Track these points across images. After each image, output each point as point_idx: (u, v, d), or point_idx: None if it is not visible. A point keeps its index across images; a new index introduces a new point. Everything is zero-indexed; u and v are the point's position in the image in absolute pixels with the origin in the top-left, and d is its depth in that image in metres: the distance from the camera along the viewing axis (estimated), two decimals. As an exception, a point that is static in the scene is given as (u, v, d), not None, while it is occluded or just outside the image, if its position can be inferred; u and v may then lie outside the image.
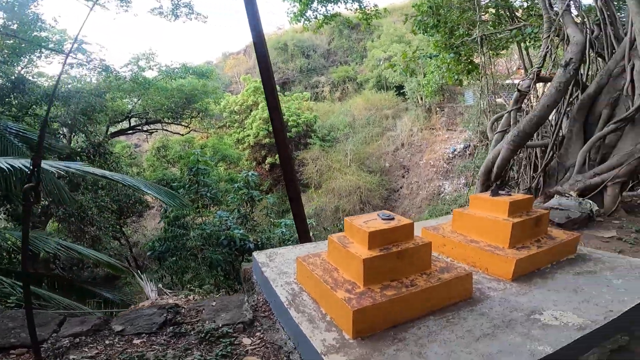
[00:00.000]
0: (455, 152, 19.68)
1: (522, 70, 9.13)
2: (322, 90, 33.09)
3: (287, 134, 22.81)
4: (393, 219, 2.24)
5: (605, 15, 4.87)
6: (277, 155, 22.43)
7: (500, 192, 2.70)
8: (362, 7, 10.91)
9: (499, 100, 12.12)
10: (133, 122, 17.89)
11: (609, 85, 4.63)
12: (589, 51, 4.94)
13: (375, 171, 22.42)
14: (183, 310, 2.44)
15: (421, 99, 23.60)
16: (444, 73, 9.92)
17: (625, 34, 4.50)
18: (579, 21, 5.29)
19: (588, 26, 5.10)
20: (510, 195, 2.68)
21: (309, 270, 2.22)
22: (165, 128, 18.82)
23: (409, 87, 23.89)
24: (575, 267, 2.50)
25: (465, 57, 8.60)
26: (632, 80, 4.28)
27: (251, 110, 24.22)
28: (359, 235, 2.12)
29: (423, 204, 19.57)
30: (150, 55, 16.29)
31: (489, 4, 8.30)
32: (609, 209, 4.00)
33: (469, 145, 18.54)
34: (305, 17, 10.78)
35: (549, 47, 5.29)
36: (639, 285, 2.20)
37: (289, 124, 23.08)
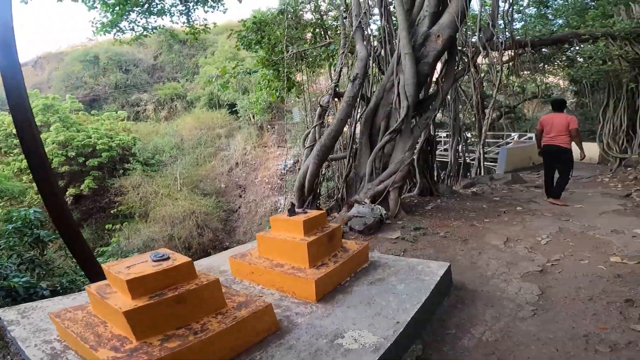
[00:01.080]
0: (287, 168, 20.81)
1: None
2: (145, 109, 29.81)
3: (97, 159, 19.33)
4: (168, 259, 1.89)
5: (386, 33, 5.20)
6: (82, 185, 18.74)
7: (296, 210, 2.66)
8: (190, 21, 10.04)
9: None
10: None
11: (384, 99, 5.09)
12: (372, 66, 5.35)
13: (210, 193, 21.40)
14: None
15: (253, 116, 24.05)
16: (267, 90, 10.12)
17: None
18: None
19: (372, 43, 5.50)
20: (306, 213, 2.66)
21: (64, 327, 1.86)
22: None
23: (241, 105, 24.03)
24: (368, 276, 2.63)
25: (284, 74, 8.86)
26: (398, 94, 4.74)
27: (40, 133, 19.05)
28: (119, 283, 1.76)
29: (263, 221, 19.76)
30: None
31: (307, 23, 8.84)
32: (393, 211, 4.52)
33: (298, 161, 19.92)
34: (118, 27, 9.08)
35: (344, 63, 5.67)
36: (417, 287, 2.40)
37: (97, 147, 19.40)
